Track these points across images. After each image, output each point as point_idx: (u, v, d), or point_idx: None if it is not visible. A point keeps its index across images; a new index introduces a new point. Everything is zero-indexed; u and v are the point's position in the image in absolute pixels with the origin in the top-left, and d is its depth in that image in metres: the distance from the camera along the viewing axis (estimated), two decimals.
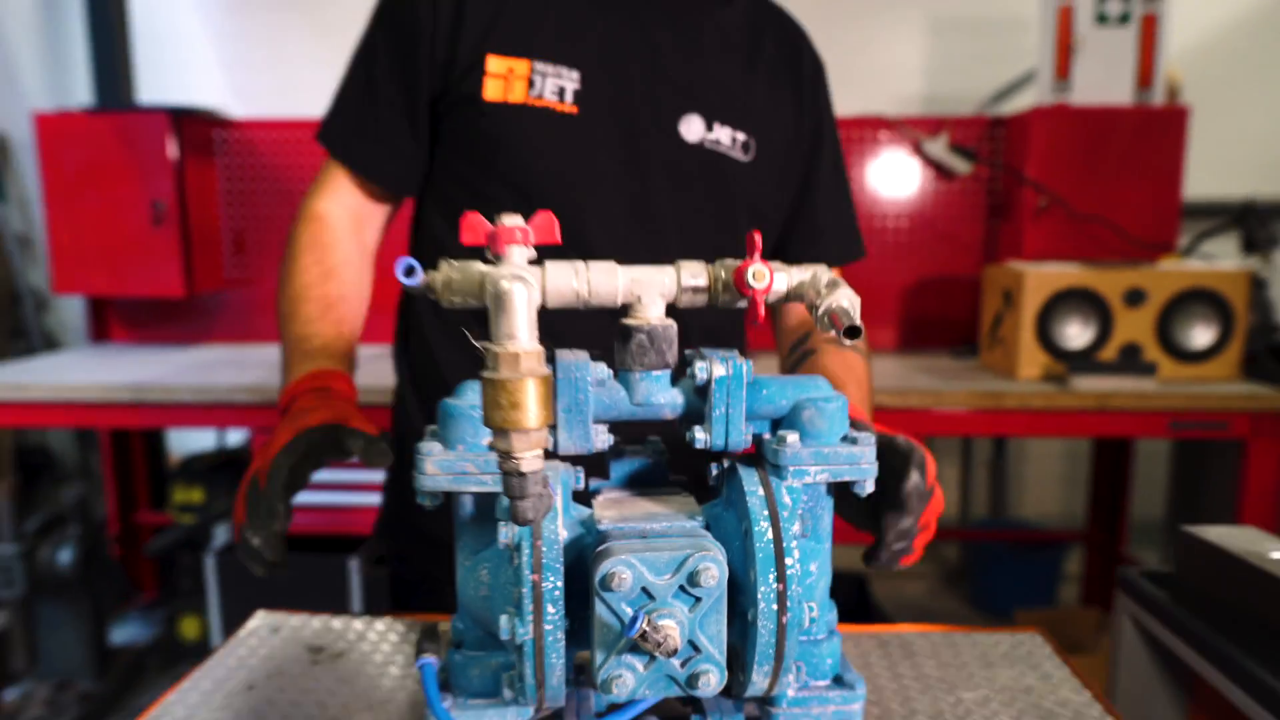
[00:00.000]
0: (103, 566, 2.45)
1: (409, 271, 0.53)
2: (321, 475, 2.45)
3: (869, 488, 0.56)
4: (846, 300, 0.54)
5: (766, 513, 0.54)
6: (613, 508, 0.60)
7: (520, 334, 0.45)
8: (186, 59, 3.60)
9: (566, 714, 0.59)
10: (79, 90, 3.56)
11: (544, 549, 0.52)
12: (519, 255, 0.50)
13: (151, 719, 0.73)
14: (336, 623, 0.90)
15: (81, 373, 2.43)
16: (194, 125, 2.79)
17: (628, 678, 0.51)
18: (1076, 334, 2.33)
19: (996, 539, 3.50)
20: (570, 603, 0.53)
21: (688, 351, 0.59)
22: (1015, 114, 2.82)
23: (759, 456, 0.58)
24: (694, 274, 0.57)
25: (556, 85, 0.91)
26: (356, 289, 1.01)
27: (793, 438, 0.56)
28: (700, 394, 0.57)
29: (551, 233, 0.52)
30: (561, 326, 0.71)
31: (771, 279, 0.55)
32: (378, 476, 2.22)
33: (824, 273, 0.57)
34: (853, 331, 0.53)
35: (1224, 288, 2.28)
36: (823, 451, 0.56)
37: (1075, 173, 2.64)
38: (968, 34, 3.56)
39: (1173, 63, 2.73)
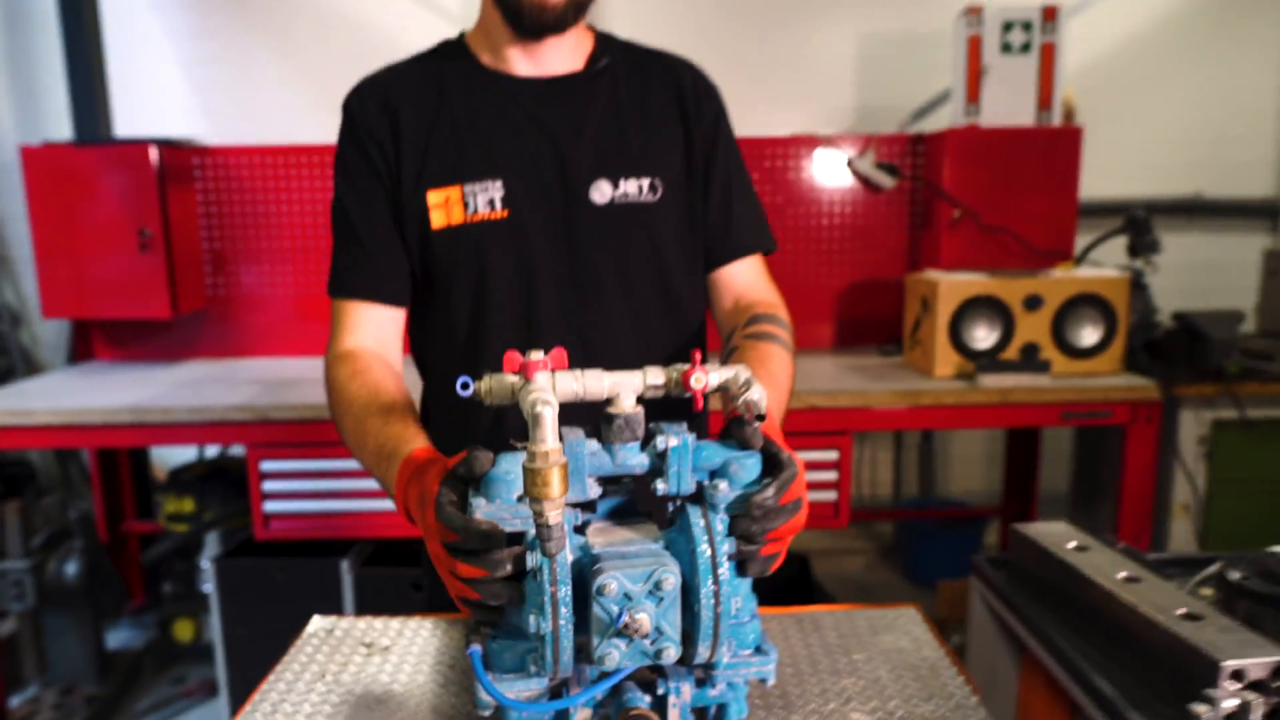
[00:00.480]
0: (104, 576, 2.64)
1: (464, 386, 0.79)
2: (314, 484, 2.64)
3: None
4: (757, 394, 0.81)
5: (706, 538, 0.80)
6: (601, 535, 0.86)
7: (549, 440, 0.71)
8: (156, 81, 3.73)
9: (571, 683, 0.85)
10: (51, 117, 3.68)
11: (559, 570, 0.77)
12: (543, 379, 0.76)
13: (253, 706, 0.96)
14: (378, 623, 1.15)
15: (79, 395, 2.60)
16: (174, 154, 2.95)
17: (614, 654, 0.77)
18: (984, 336, 2.64)
19: (925, 516, 3.84)
20: (575, 603, 0.79)
21: (651, 425, 0.85)
22: (933, 133, 3.12)
23: (701, 497, 0.84)
24: (655, 378, 0.83)
25: (486, 198, 1.14)
26: (404, 393, 1.15)
27: (723, 485, 0.82)
28: (660, 457, 0.83)
29: (563, 362, 0.78)
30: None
31: (708, 382, 0.81)
32: (366, 485, 2.46)
33: (743, 372, 0.83)
34: (759, 418, 0.79)
35: (1108, 292, 2.60)
36: (743, 494, 0.82)
37: (985, 187, 2.95)
38: (895, 48, 3.84)
39: (1069, 86, 3.05)
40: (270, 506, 2.49)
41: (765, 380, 1.06)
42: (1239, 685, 0.77)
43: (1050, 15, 2.88)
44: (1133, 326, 2.72)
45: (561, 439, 0.81)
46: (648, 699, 0.85)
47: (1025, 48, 2.91)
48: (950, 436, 4.17)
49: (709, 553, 0.80)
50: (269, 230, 3.18)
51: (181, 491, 2.88)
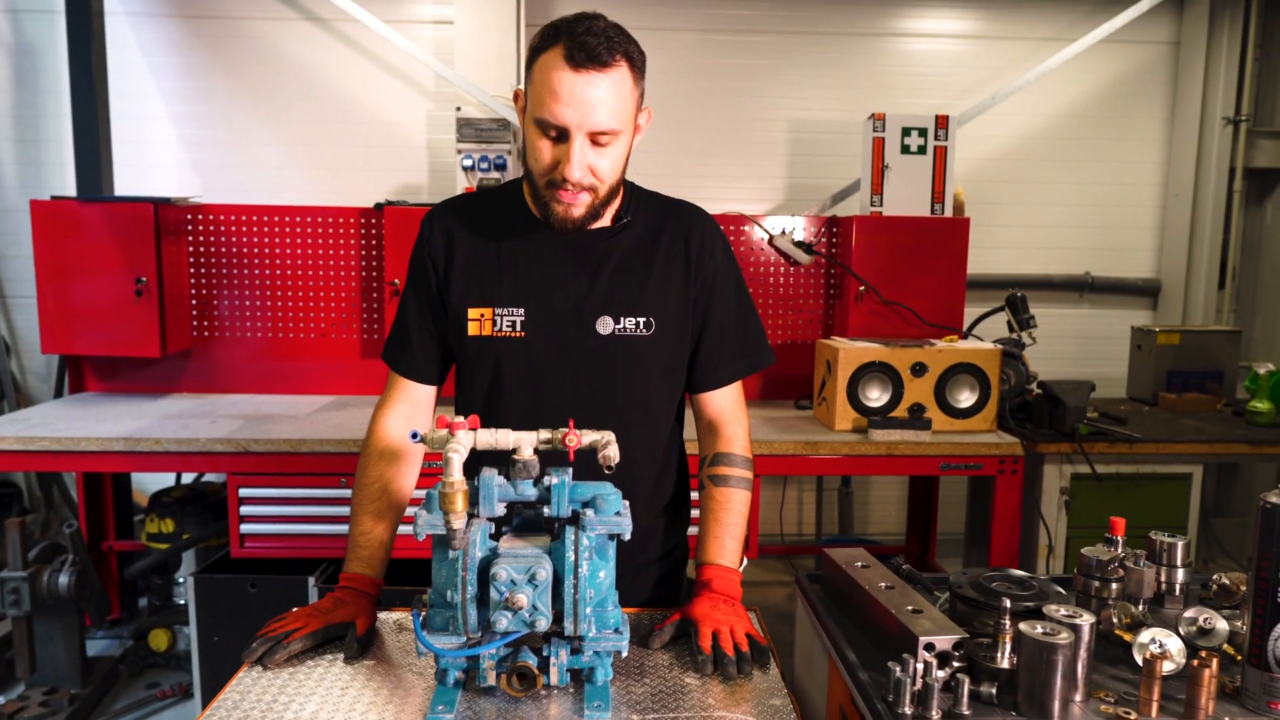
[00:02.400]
0: (91, 589, 2.92)
1: (414, 436, 1.17)
2: (285, 509, 2.96)
3: (626, 536, 1.20)
4: (612, 451, 1.19)
5: (573, 548, 1.18)
6: (509, 541, 1.23)
7: (455, 474, 1.09)
8: (151, 136, 4.09)
9: (483, 642, 1.22)
10: (54, 167, 4.02)
11: (468, 563, 1.15)
12: (464, 437, 1.14)
13: (229, 696, 1.31)
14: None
15: (75, 424, 2.91)
16: (169, 211, 3.31)
17: (503, 621, 1.14)
18: (877, 396, 3.06)
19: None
20: (481, 586, 1.16)
21: (547, 468, 1.23)
22: (845, 217, 3.56)
23: (576, 520, 1.22)
24: (545, 436, 1.21)
25: (510, 321, 1.49)
26: (404, 488, 1.56)
27: (589, 513, 1.20)
28: (547, 490, 1.21)
29: (477, 424, 1.16)
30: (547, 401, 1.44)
31: (579, 441, 1.20)
32: (332, 511, 2.80)
33: (608, 435, 1.21)
34: (610, 469, 1.18)
35: (982, 362, 3.04)
36: (604, 519, 1.20)
37: (886, 267, 3.39)
38: (822, 134, 4.32)
39: (958, 184, 3.52)
40: (246, 528, 2.81)
41: (721, 534, 1.52)
42: (930, 654, 1.16)
43: (942, 123, 3.35)
44: (1008, 391, 3.16)
45: (479, 474, 1.19)
46: (535, 658, 1.22)
47: (921, 149, 3.37)
48: (869, 481, 4.59)
49: (573, 558, 1.17)
50: (251, 280, 3.53)
51: (163, 513, 3.18)
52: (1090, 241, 4.48)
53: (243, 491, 2.80)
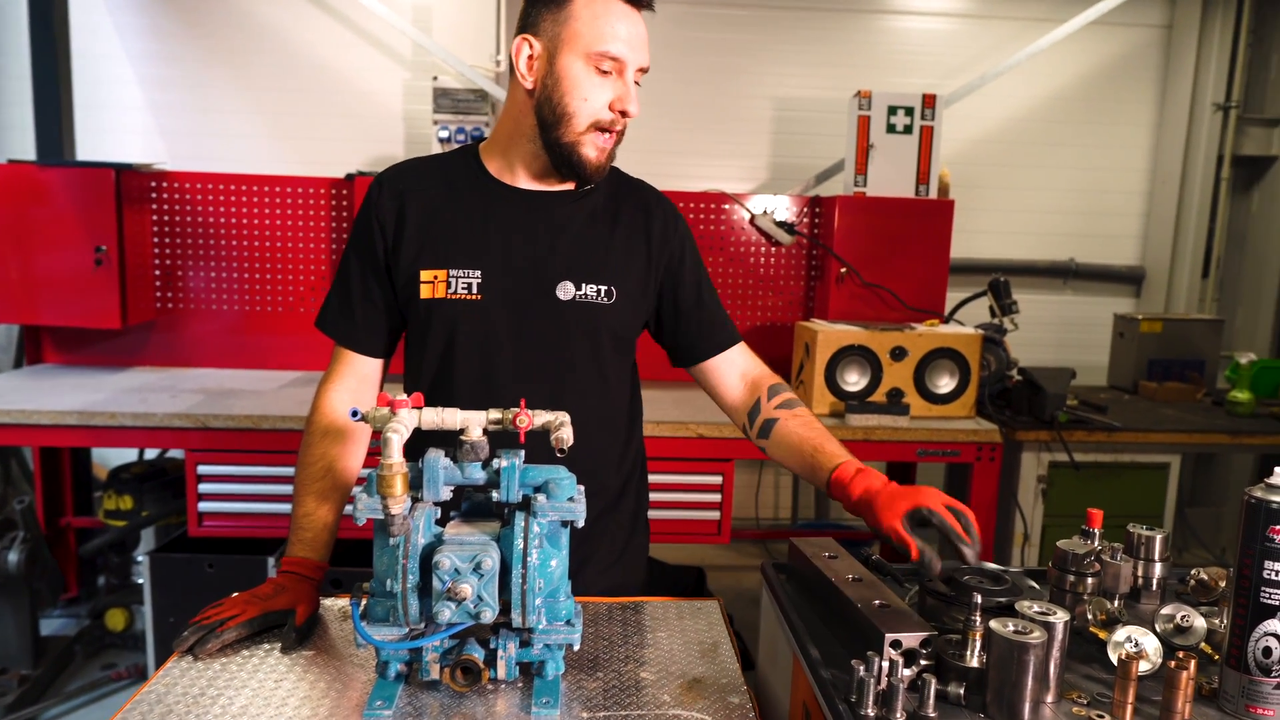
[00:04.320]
0: (43, 567, 2.84)
1: (354, 414, 1.09)
2: (245, 488, 2.88)
3: (579, 523, 1.14)
4: (566, 434, 1.12)
5: (523, 536, 1.11)
6: (455, 527, 1.16)
7: (394, 456, 1.01)
8: (117, 100, 3.96)
9: (427, 634, 1.15)
10: (16, 131, 3.88)
11: (409, 550, 1.07)
12: (406, 416, 1.06)
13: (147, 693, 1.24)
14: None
15: (31, 397, 2.82)
16: (132, 178, 3.19)
17: (446, 612, 1.07)
18: (855, 380, 3.00)
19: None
20: (423, 573, 1.09)
21: (497, 450, 1.16)
22: (828, 197, 3.49)
23: (526, 505, 1.15)
24: (494, 416, 1.14)
25: (465, 283, 1.42)
26: (349, 467, 1.49)
27: (541, 498, 1.13)
28: (496, 474, 1.14)
29: (420, 402, 1.09)
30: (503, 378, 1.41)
31: (530, 422, 1.12)
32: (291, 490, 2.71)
33: (562, 416, 1.14)
34: (562, 453, 1.11)
35: (962, 347, 2.99)
36: (556, 505, 1.13)
37: (868, 249, 3.33)
38: (806, 112, 4.24)
39: (944, 165, 3.45)
40: (205, 506, 2.73)
41: (827, 440, 1.48)
42: (896, 652, 1.10)
43: (930, 102, 3.28)
44: (988, 377, 3.11)
45: (424, 456, 1.12)
46: (482, 651, 1.15)
47: (907, 129, 3.30)
48: None
49: (522, 546, 1.10)
50: (218, 250, 3.43)
51: (121, 490, 3.09)
52: (1075, 228, 4.43)
53: (201, 469, 2.72)
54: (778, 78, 4.21)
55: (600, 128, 1.39)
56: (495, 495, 1.14)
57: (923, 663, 1.12)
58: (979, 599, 1.11)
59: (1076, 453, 2.98)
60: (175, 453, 3.44)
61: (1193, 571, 1.42)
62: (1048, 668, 1.06)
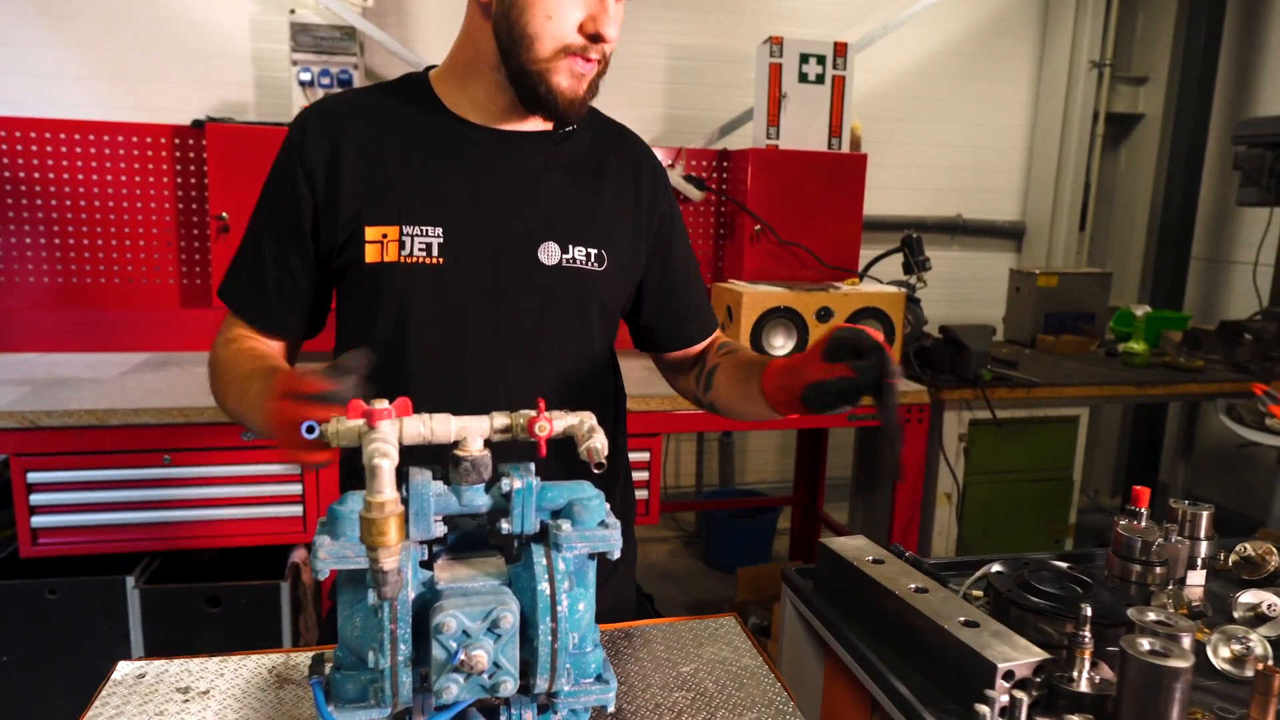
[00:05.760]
0: None
1: (310, 430, 0.79)
2: (92, 495, 2.42)
3: (615, 555, 0.88)
4: (599, 442, 0.86)
5: (546, 576, 0.84)
6: (447, 570, 0.88)
7: (385, 492, 0.72)
8: None
9: (414, 712, 0.87)
10: None
11: (398, 609, 0.79)
12: (386, 428, 0.77)
13: None
14: (194, 664, 1.10)
15: None
16: None
17: (453, 688, 0.80)
18: (781, 344, 2.84)
19: (724, 506, 4.08)
20: (416, 637, 0.80)
21: (500, 467, 0.88)
22: (738, 150, 3.30)
23: (545, 535, 0.88)
24: (501, 422, 0.86)
25: (423, 243, 1.11)
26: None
27: (566, 525, 0.86)
28: (505, 498, 0.86)
29: (408, 410, 0.79)
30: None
31: (551, 429, 0.85)
32: (153, 494, 2.28)
33: (588, 419, 0.88)
34: (600, 466, 0.85)
35: (887, 306, 2.88)
36: (585, 534, 0.87)
37: (783, 205, 3.16)
38: (703, 62, 4.02)
39: (855, 117, 3.33)
40: (39, 521, 2.25)
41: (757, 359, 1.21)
42: (1009, 685, 0.92)
43: (841, 50, 3.13)
44: (906, 336, 3.03)
45: (408, 479, 0.83)
46: None
47: (819, 79, 3.14)
48: (748, 430, 4.44)
49: (549, 591, 0.84)
50: (33, 211, 2.86)
51: None
52: (962, 183, 4.46)
53: (32, 476, 2.23)
54: (670, 24, 3.96)
55: (572, 51, 1.13)
56: (505, 526, 0.87)
57: (1034, 692, 0.94)
58: (1089, 610, 0.95)
59: (995, 409, 2.96)
60: None
61: (1238, 547, 1.32)
62: (1189, 693, 0.90)
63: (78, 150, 2.85)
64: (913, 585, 1.08)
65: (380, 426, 0.78)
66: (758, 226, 3.15)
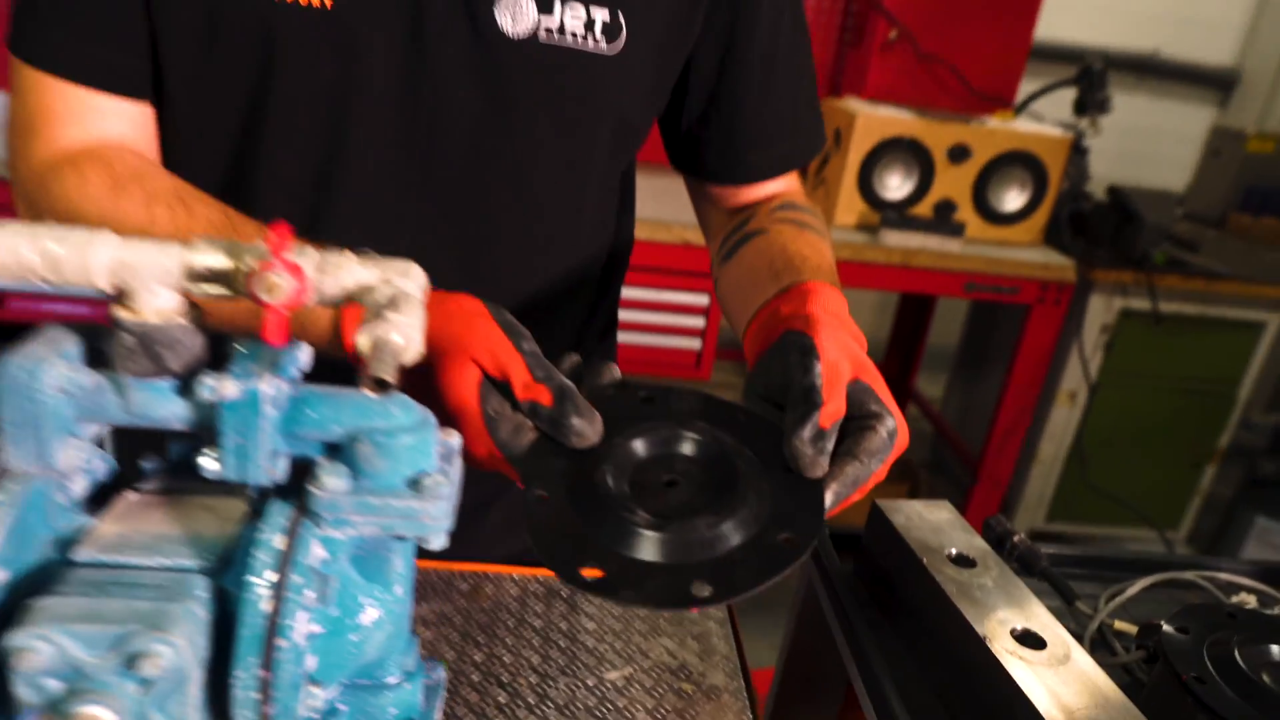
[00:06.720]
0: None
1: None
2: None
3: (434, 544, 0.45)
4: (396, 334, 0.40)
5: (270, 577, 0.42)
6: (125, 520, 0.47)
7: None
8: None
9: None
10: None
11: None
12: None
13: None
14: None
15: None
16: None
17: None
18: (897, 185, 2.27)
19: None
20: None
21: (229, 345, 0.44)
22: None
23: (299, 489, 0.45)
24: (208, 262, 0.41)
25: None
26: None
27: (334, 481, 0.43)
28: (210, 412, 0.43)
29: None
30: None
31: (299, 293, 0.40)
32: None
33: (388, 288, 0.42)
34: (380, 384, 0.40)
35: (1044, 152, 2.25)
36: (371, 501, 0.43)
37: (930, 9, 2.46)
38: None
39: None
40: None
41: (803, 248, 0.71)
42: None
43: None
44: (1061, 195, 2.39)
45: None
46: None
47: None
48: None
49: (267, 607, 0.42)
50: None
51: None
52: (1166, 8, 3.53)
53: None
54: None
55: None
56: (210, 466, 0.44)
57: None
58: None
59: (1160, 300, 2.34)
60: None
61: None
62: None
63: None
64: (1017, 626, 0.62)
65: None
66: (893, 32, 2.47)
